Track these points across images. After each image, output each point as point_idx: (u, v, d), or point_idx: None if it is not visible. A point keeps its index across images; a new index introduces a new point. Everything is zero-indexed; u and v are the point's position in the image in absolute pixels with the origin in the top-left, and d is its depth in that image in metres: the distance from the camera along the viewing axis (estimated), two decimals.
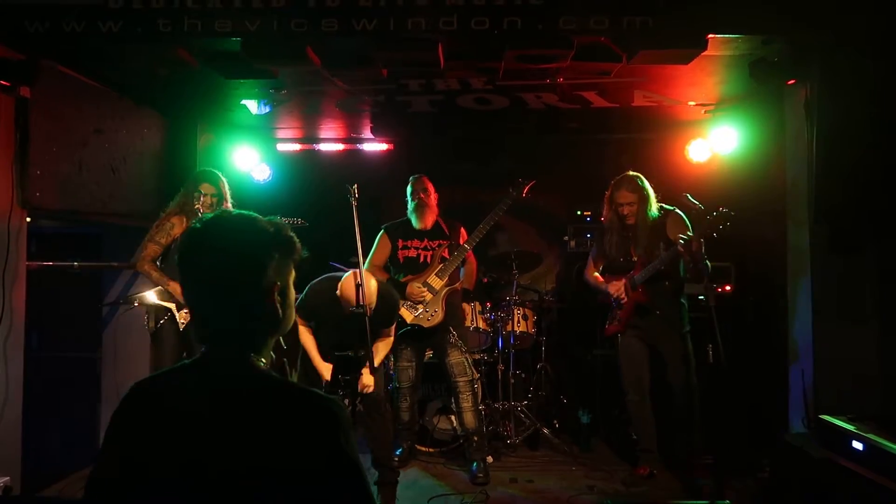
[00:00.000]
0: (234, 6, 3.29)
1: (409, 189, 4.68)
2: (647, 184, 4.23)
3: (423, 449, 4.83)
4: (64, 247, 4.93)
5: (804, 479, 3.34)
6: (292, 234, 1.36)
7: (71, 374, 4.83)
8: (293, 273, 1.37)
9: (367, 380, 3.67)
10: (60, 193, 3.78)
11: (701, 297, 4.22)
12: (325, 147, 6.12)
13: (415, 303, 4.42)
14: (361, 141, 6.02)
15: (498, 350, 5.09)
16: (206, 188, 4.08)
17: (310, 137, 6.08)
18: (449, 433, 4.84)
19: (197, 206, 3.97)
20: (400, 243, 4.59)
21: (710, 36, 3.31)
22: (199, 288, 1.29)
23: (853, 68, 3.33)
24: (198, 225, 1.32)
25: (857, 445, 2.92)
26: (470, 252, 4.60)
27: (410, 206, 4.63)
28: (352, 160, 6.07)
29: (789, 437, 3.69)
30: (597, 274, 4.49)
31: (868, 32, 3.25)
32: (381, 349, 3.90)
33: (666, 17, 3.22)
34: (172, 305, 3.97)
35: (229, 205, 4.13)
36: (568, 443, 4.97)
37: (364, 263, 3.71)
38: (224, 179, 4.21)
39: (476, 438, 4.45)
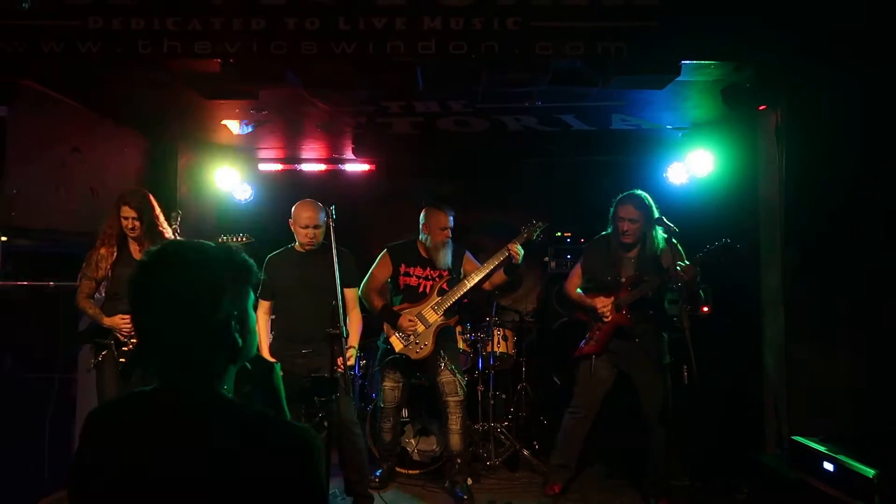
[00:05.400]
0: (213, 28, 3.32)
1: (431, 218, 4.43)
2: (653, 205, 4.09)
3: (403, 471, 4.80)
4: (41, 266, 4.88)
5: (779, 500, 3.36)
6: (245, 257, 1.32)
7: (46, 396, 4.75)
8: (252, 296, 1.34)
9: (350, 355, 3.84)
10: (37, 213, 3.77)
11: (675, 318, 4.23)
12: (306, 167, 6.14)
13: (406, 333, 4.35)
14: (343, 161, 6.05)
15: (478, 371, 5.09)
16: (125, 212, 3.82)
17: (292, 157, 6.10)
18: (428, 455, 4.81)
19: (122, 230, 3.84)
20: (402, 268, 4.47)
21: (684, 62, 3.38)
22: (152, 322, 1.25)
23: (819, 98, 3.42)
24: (145, 258, 1.28)
25: (828, 466, 2.94)
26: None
27: (430, 238, 4.42)
28: (334, 180, 6.10)
29: (764, 458, 3.71)
30: (579, 290, 4.38)
31: (834, 65, 3.34)
32: (355, 327, 4.03)
33: (640, 43, 3.29)
34: (111, 342, 3.84)
35: (161, 221, 3.92)
36: (547, 464, 4.95)
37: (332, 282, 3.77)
38: (150, 199, 3.91)
39: (460, 461, 4.43)
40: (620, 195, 4.19)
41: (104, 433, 1.26)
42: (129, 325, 3.78)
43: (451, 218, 4.47)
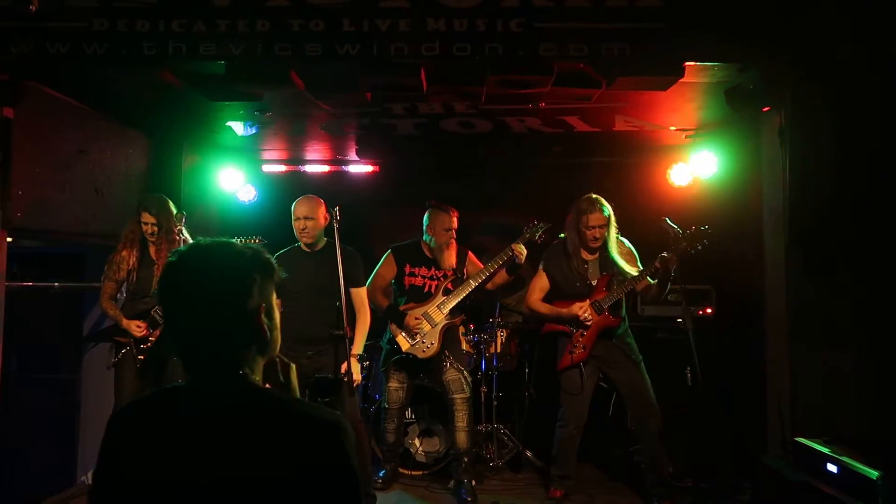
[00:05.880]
0: (218, 30, 3.33)
1: (435, 219, 4.50)
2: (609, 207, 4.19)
3: (406, 472, 4.80)
4: (46, 267, 4.90)
5: (783, 502, 3.36)
6: (269, 256, 1.37)
7: (51, 396, 4.77)
8: (275, 295, 1.38)
9: (355, 369, 3.79)
10: (43, 214, 3.77)
11: (679, 320, 4.23)
12: (310, 168, 6.14)
13: (412, 333, 4.38)
14: (347, 163, 6.05)
15: (481, 372, 5.09)
16: (145, 217, 4.03)
17: (295, 159, 6.11)
18: (432, 456, 4.82)
19: (142, 234, 4.06)
20: (407, 269, 4.52)
21: (687, 63, 3.38)
22: (184, 317, 1.28)
23: (823, 100, 3.41)
24: (174, 258, 1.32)
25: (832, 468, 2.94)
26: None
27: (434, 238, 4.49)
28: (337, 181, 6.10)
29: (768, 459, 3.71)
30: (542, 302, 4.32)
31: (837, 67, 3.34)
32: (360, 333, 4.03)
33: (644, 44, 3.29)
34: (131, 341, 3.97)
35: (178, 229, 4.02)
36: (549, 473, 4.94)
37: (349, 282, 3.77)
38: (168, 205, 4.10)
39: (466, 459, 4.43)
40: (580, 201, 4.20)
41: (135, 433, 1.26)
42: (142, 332, 3.94)
43: (455, 219, 4.49)
